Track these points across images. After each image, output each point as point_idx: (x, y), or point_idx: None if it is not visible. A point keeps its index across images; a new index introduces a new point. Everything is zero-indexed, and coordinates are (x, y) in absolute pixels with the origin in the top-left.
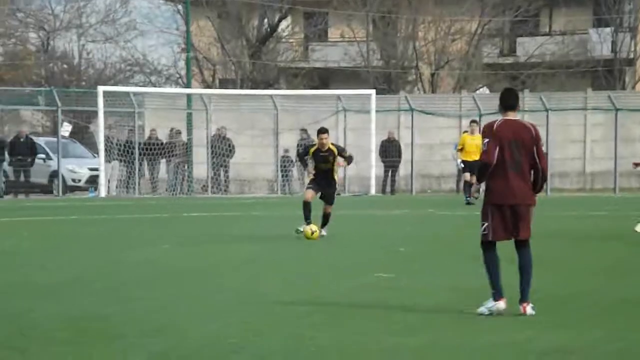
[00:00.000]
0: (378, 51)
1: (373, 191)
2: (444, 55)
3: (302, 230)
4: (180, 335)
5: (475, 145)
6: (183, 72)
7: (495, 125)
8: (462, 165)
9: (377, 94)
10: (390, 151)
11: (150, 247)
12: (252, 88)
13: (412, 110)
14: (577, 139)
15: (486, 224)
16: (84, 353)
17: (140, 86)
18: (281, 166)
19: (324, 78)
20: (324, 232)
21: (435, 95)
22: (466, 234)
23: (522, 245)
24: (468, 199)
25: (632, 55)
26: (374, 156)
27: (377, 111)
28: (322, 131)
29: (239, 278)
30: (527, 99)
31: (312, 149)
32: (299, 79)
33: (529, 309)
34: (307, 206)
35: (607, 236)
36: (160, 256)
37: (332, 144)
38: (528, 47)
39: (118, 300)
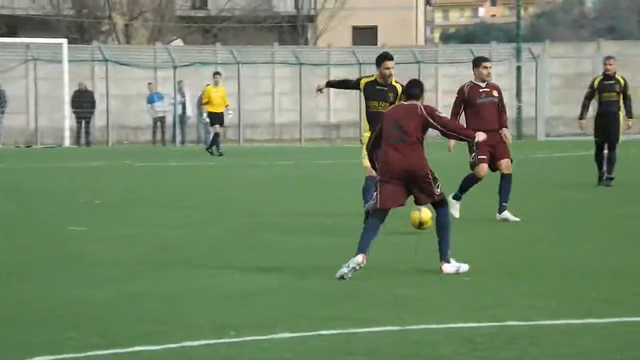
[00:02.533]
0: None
1: (67, 143)
2: (137, 7)
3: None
4: None
5: (219, 97)
6: None
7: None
8: (208, 119)
9: (69, 43)
10: (82, 102)
11: None
12: None
13: (106, 60)
14: (266, 91)
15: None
16: None
17: None
18: None
19: (12, 26)
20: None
21: (130, 46)
22: (163, 184)
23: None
24: (211, 150)
25: (313, 12)
26: (67, 107)
27: (69, 61)
28: (388, 57)
29: None
30: (219, 52)
31: (366, 80)
32: None
33: (445, 267)
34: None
35: (295, 179)
36: None
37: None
38: (219, 1)
39: None
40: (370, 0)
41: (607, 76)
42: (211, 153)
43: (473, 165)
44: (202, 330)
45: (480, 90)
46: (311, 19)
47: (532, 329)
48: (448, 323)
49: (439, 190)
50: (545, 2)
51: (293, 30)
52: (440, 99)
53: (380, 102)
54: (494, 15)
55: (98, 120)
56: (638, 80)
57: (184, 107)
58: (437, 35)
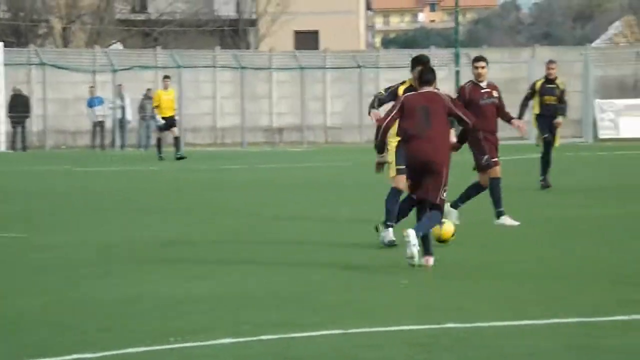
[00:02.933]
0: (4, 2)
1: (3, 148)
2: (76, 10)
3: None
4: None
5: (170, 100)
6: None
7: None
8: (163, 122)
9: (5, 46)
10: (17, 106)
11: None
12: None
13: (43, 64)
14: (208, 95)
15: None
16: None
17: None
18: None
19: None
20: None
21: (68, 49)
22: (101, 189)
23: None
24: (160, 155)
25: (254, 16)
26: (2, 111)
27: (5, 65)
28: (422, 61)
29: None
30: (159, 55)
31: (403, 88)
32: None
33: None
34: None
35: (241, 185)
36: None
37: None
38: (159, 4)
39: None
40: (312, 5)
41: (548, 80)
42: (180, 157)
43: (485, 167)
44: (143, 336)
45: (482, 91)
46: (253, 22)
47: (475, 331)
48: (390, 326)
49: (443, 195)
50: (484, 8)
51: (235, 34)
52: None
53: None
54: (432, 21)
55: (35, 124)
56: (572, 85)
57: (123, 111)
58: (378, 40)
